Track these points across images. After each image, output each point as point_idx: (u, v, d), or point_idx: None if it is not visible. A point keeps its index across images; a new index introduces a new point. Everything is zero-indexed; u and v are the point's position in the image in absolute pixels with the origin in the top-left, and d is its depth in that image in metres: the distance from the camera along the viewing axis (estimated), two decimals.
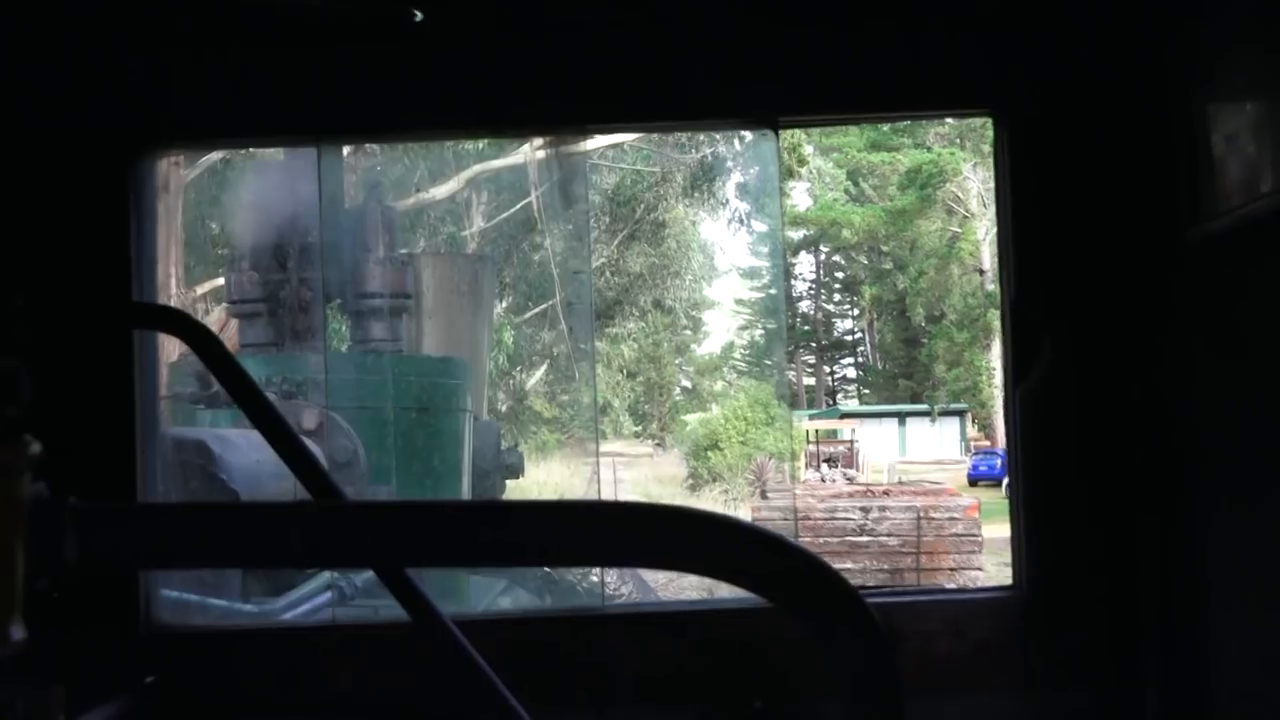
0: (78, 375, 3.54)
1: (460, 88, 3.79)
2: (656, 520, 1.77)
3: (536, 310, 39.71)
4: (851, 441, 57.02)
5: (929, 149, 59.88)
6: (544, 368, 44.09)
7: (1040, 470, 3.76)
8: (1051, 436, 3.75)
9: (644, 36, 3.79)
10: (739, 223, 52.46)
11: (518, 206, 33.65)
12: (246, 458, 7.10)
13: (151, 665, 3.63)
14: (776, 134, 4.01)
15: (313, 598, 7.12)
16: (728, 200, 47.97)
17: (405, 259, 12.72)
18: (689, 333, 70.95)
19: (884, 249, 68.72)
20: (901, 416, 64.83)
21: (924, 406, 64.24)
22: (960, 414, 62.14)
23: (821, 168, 66.96)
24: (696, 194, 41.44)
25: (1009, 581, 3.89)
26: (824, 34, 3.77)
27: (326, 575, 7.28)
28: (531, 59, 3.78)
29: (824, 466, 51.82)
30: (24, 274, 3.60)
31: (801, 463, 51.26)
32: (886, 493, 30.33)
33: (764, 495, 35.72)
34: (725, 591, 2.10)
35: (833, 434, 58.76)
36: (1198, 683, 3.54)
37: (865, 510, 26.16)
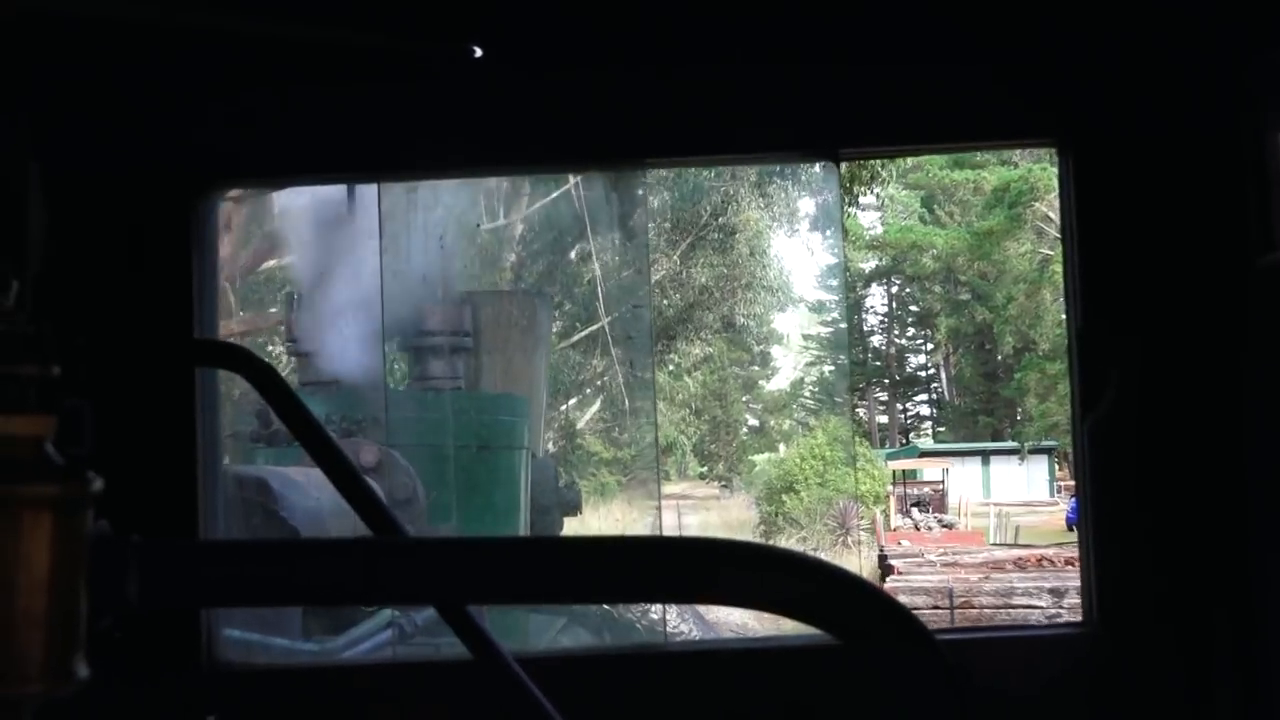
0: (140, 413, 3.56)
1: (519, 123, 3.79)
2: (721, 556, 1.75)
3: (584, 334, 36.48)
4: (940, 483, 53.45)
5: (1015, 165, 56.28)
6: (598, 404, 41.08)
7: (1110, 503, 3.69)
8: (1121, 469, 3.68)
9: (703, 69, 3.78)
10: (806, 250, 50.41)
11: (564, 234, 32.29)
12: (307, 496, 7.15)
13: (213, 704, 3.63)
14: (838, 166, 3.98)
15: (373, 635, 7.16)
16: (797, 209, 44.34)
17: (464, 297, 12.82)
18: (756, 368, 70.07)
19: (961, 278, 66.04)
20: (985, 455, 60.09)
21: (1010, 444, 60.43)
22: (1049, 451, 57.89)
23: (895, 195, 64.46)
24: (767, 195, 38.21)
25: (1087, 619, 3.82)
26: (885, 64, 3.75)
27: (387, 613, 7.30)
28: (590, 93, 3.78)
29: (914, 511, 48.33)
30: (87, 313, 3.63)
31: (891, 507, 47.83)
32: (1069, 562, 25.66)
33: (886, 566, 32.21)
34: (792, 628, 2.07)
35: (912, 474, 54.98)
36: None
37: (1058, 594, 21.59)
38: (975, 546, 37.66)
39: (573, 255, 35.03)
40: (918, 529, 43.48)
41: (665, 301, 40.39)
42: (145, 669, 3.26)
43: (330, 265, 11.18)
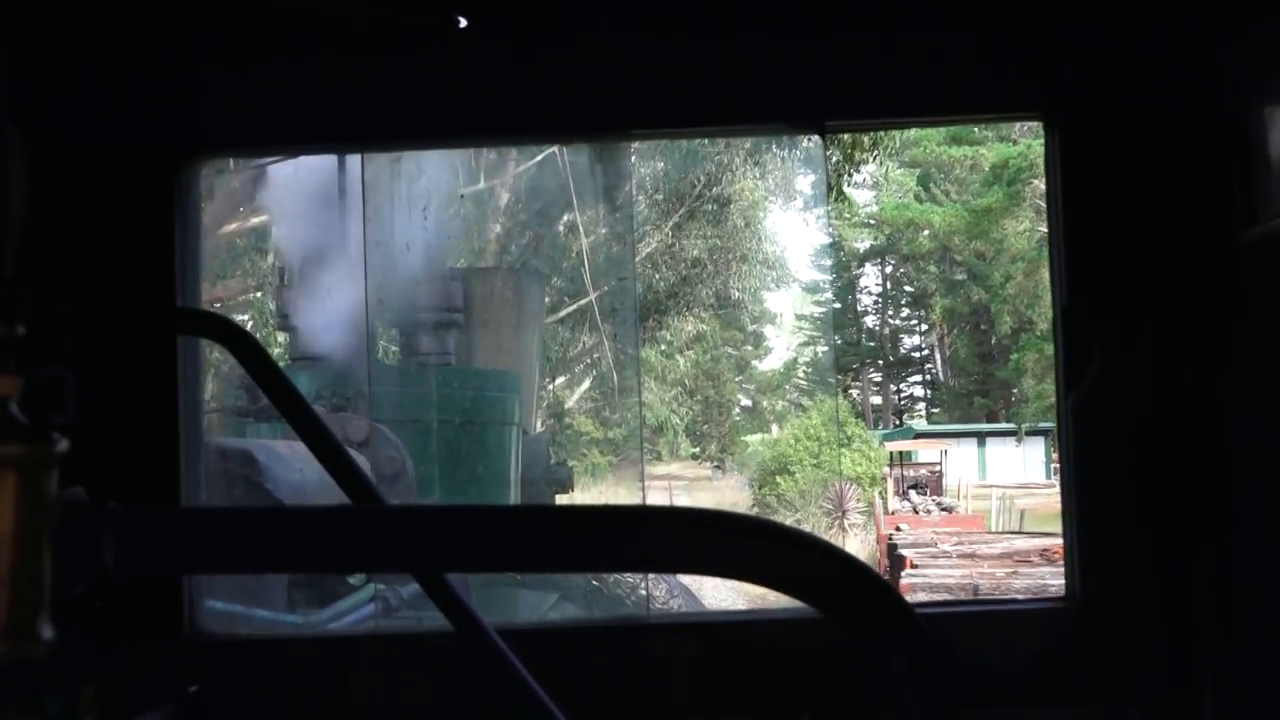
0: (121, 382, 3.55)
1: (504, 93, 3.78)
2: (703, 526, 1.75)
3: (572, 308, 34.54)
4: (937, 465, 51.73)
5: (1014, 142, 55.15)
6: (587, 383, 39.29)
7: (1093, 480, 3.69)
8: (1104, 445, 3.69)
9: (688, 41, 3.77)
10: (801, 224, 48.91)
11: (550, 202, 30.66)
12: (291, 469, 7.15)
13: (195, 675, 3.63)
14: (824, 138, 3.97)
15: (358, 609, 7.16)
16: (793, 183, 42.82)
17: (454, 273, 12.80)
18: (750, 348, 69.54)
19: (957, 258, 65.33)
20: (980, 436, 59.09)
21: (1006, 426, 59.18)
22: (1045, 433, 56.67)
23: (890, 173, 63.68)
24: (761, 165, 36.62)
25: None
26: (871, 37, 3.73)
27: (371, 587, 7.31)
28: (575, 64, 3.77)
29: (912, 493, 46.50)
30: (69, 282, 3.62)
31: (889, 489, 46.09)
32: None
33: (896, 557, 30.83)
34: (775, 601, 2.07)
35: (908, 456, 52.89)
36: (1255, 697, 3.46)
37: None
38: (977, 531, 36.98)
39: (560, 227, 33.82)
40: (916, 512, 42.22)
41: (657, 276, 38.57)
42: (127, 639, 3.26)
43: (316, 238, 11.15)
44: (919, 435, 59.30)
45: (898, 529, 37.40)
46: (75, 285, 3.63)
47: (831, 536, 38.93)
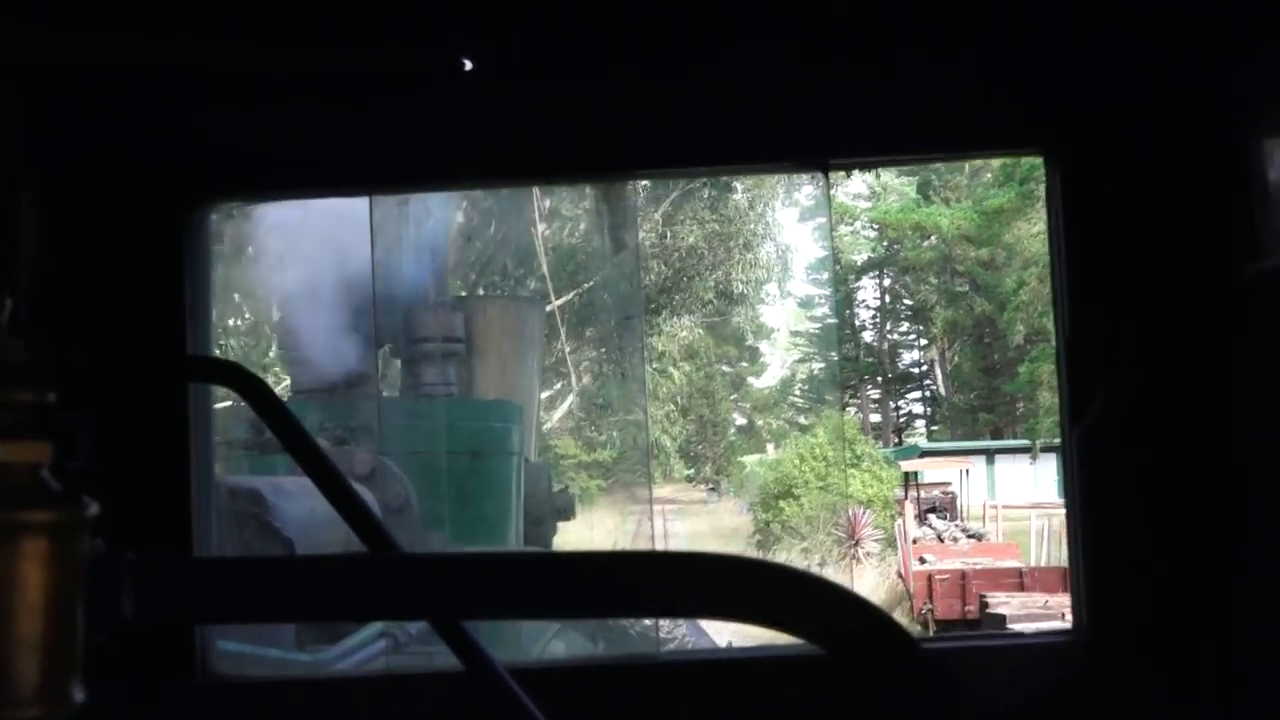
0: (132, 428, 3.57)
1: (510, 135, 3.81)
2: (709, 569, 1.76)
3: (554, 306, 29.80)
4: (949, 485, 46.03)
5: None
6: (570, 399, 34.49)
7: (1099, 513, 3.71)
8: (1109, 479, 3.70)
9: (691, 81, 3.80)
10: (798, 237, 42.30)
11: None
12: (300, 505, 7.15)
13: (208, 716, 3.64)
14: (826, 176, 4.00)
15: (366, 646, 7.15)
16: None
17: (456, 303, 12.81)
18: (745, 364, 68.40)
19: (959, 269, 63.34)
20: (990, 454, 54.54)
21: (1016, 442, 54.52)
22: (1057, 450, 49.19)
23: (889, 182, 62.80)
24: None
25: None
26: (874, 75, 3.76)
27: (380, 624, 7.30)
28: (580, 105, 3.80)
29: (932, 518, 41.47)
30: (80, 326, 3.64)
31: (909, 513, 40.53)
32: None
33: (991, 616, 26.63)
34: (782, 639, 2.08)
35: (914, 476, 47.57)
36: None
37: None
38: (1013, 561, 32.64)
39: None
40: (941, 540, 36.86)
41: (645, 270, 33.41)
42: (140, 681, 3.27)
43: (320, 274, 11.17)
44: (925, 453, 54.64)
45: (922, 560, 33.68)
46: (85, 330, 3.65)
47: (845, 570, 35.90)
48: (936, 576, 31.22)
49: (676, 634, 16.38)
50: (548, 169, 4.08)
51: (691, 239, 33.75)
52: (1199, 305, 3.61)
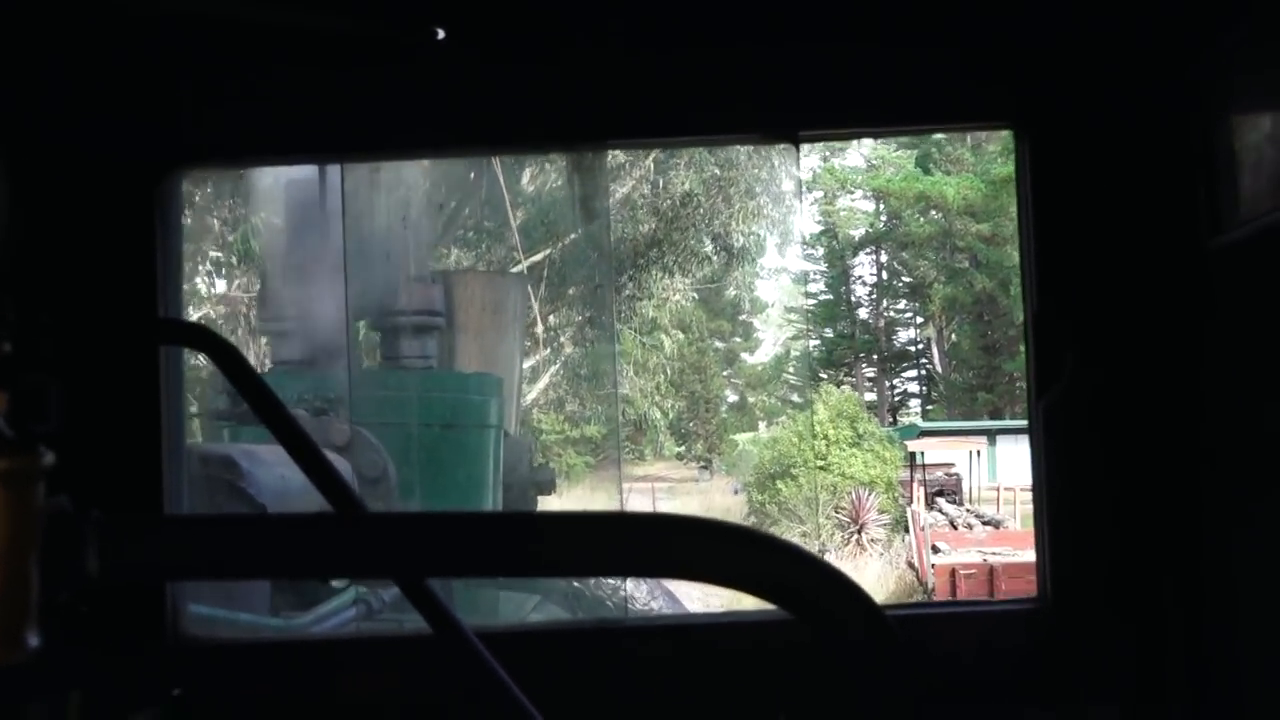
0: (104, 391, 3.58)
1: (482, 105, 3.82)
2: (677, 531, 1.78)
3: (526, 263, 26.99)
4: (951, 466, 43.87)
5: None
6: (551, 372, 31.55)
7: (1064, 483, 3.74)
8: (1075, 449, 3.74)
9: (664, 52, 3.81)
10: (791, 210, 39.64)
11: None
12: (274, 473, 7.15)
13: (178, 678, 3.66)
14: (797, 148, 4.02)
15: (340, 613, 7.17)
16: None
17: (435, 276, 12.77)
18: (738, 339, 67.28)
19: (959, 244, 62.23)
20: (991, 434, 51.74)
21: (1017, 423, 50.04)
22: None
23: (886, 155, 61.74)
24: None
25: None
26: (844, 49, 3.78)
27: (353, 591, 7.32)
28: (552, 76, 3.81)
29: (941, 502, 39.10)
30: (52, 291, 3.65)
31: (918, 495, 38.41)
32: None
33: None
34: (750, 602, 2.10)
35: (913, 457, 44.89)
36: (1226, 696, 3.51)
37: None
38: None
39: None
40: (954, 527, 34.18)
41: (628, 222, 29.34)
42: (110, 644, 3.29)
43: (298, 243, 11.14)
44: (924, 433, 51.88)
45: (935, 549, 31.20)
46: (57, 294, 3.65)
47: (849, 556, 34.06)
48: (961, 571, 28.08)
49: (653, 606, 16.43)
50: (520, 139, 4.09)
51: (687, 185, 29.87)
52: (1164, 277, 3.64)
